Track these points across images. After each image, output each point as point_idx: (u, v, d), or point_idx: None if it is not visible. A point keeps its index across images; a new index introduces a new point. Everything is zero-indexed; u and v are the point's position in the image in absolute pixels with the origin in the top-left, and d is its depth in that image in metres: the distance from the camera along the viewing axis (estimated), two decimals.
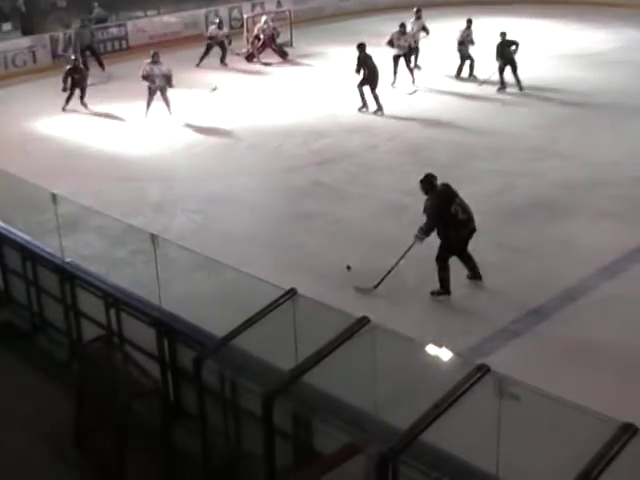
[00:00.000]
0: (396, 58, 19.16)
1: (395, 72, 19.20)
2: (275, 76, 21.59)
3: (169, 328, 7.05)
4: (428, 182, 9.36)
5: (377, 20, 27.40)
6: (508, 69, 18.14)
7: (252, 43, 23.34)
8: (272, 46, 23.19)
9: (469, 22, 19.53)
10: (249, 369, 6.16)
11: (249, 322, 6.20)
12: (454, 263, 9.70)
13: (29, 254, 8.79)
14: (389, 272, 9.47)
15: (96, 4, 24.32)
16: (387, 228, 10.85)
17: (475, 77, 19.51)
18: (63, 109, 17.93)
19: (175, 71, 17.77)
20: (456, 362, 5.78)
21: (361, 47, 17.14)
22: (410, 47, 19.20)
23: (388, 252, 9.54)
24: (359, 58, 17.14)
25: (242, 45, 23.72)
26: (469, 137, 15.56)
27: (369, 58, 17.16)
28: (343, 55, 22.30)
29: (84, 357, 7.35)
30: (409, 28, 20.08)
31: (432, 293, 9.49)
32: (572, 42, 23.42)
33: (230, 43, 22.72)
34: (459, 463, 4.88)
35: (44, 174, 12.89)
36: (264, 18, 23.61)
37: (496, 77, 18.32)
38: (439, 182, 9.42)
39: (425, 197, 9.31)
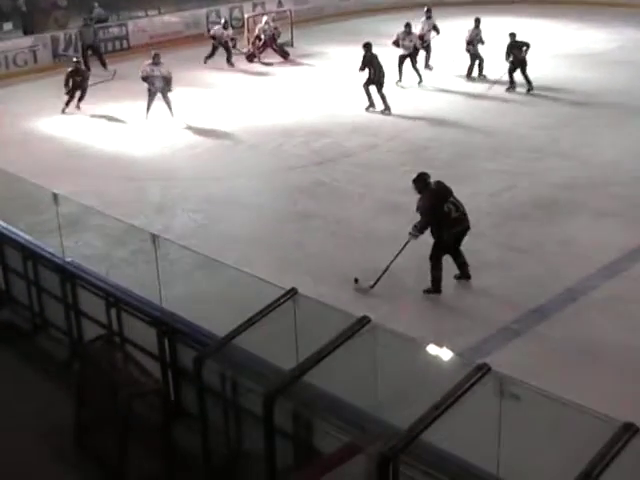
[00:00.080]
0: (402, 58, 19.21)
1: (400, 71, 19.25)
2: (276, 76, 21.60)
3: (170, 328, 7.05)
4: (422, 181, 9.36)
5: (377, 20, 27.44)
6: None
7: (253, 43, 23.36)
8: (273, 46, 23.20)
9: (477, 21, 19.57)
10: (250, 369, 6.16)
11: (250, 322, 6.20)
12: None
13: (30, 254, 8.79)
14: (385, 271, 9.49)
15: (96, 4, 24.34)
16: (387, 227, 10.85)
17: (485, 76, 19.55)
18: (63, 112, 17.86)
19: (176, 71, 17.77)
20: (456, 362, 5.78)
21: (367, 46, 17.19)
22: (415, 47, 19.22)
23: (388, 251, 9.53)
24: (365, 57, 17.17)
25: (243, 45, 23.74)
26: (471, 137, 15.57)
27: (375, 57, 17.20)
28: (343, 55, 22.36)
29: (85, 357, 7.35)
30: (419, 27, 20.17)
31: (424, 291, 9.51)
32: (573, 42, 23.44)
33: (235, 46, 22.68)
34: (460, 463, 4.88)
35: (45, 174, 12.91)
36: (265, 18, 23.62)
37: (506, 78, 18.35)
38: (439, 181, 9.45)
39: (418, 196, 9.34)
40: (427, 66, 20.47)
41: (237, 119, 17.40)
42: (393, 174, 13.39)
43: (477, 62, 19.59)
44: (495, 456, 4.71)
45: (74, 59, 19.06)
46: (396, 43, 19.16)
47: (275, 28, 23.48)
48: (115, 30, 24.63)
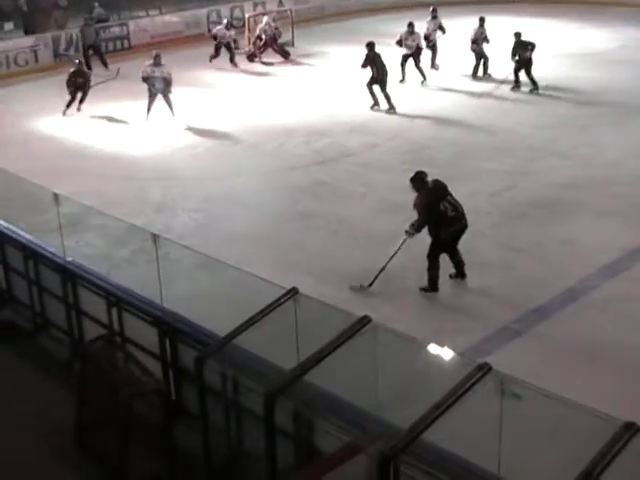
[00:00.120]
0: (405, 57, 19.26)
1: (403, 71, 19.32)
2: (276, 76, 21.61)
3: (171, 327, 7.06)
4: (419, 179, 9.38)
5: (378, 20, 27.46)
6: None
7: (254, 43, 23.36)
8: (273, 46, 23.20)
9: (482, 20, 19.67)
10: (251, 368, 6.16)
11: (250, 321, 6.20)
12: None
13: (31, 253, 8.79)
14: (381, 270, 9.50)
15: (96, 4, 24.33)
16: (388, 227, 10.83)
17: (490, 75, 19.58)
18: (64, 114, 17.77)
19: (177, 70, 17.78)
20: (457, 361, 5.78)
21: (370, 46, 17.24)
22: (418, 47, 19.24)
23: (389, 251, 9.53)
24: (367, 56, 17.23)
25: (244, 45, 23.74)
26: (472, 136, 15.57)
27: (378, 56, 17.25)
28: (344, 55, 22.38)
29: (86, 356, 7.35)
30: (425, 27, 20.20)
31: (421, 289, 9.53)
32: (574, 41, 23.45)
33: (237, 47, 22.66)
34: (460, 462, 4.88)
35: (46, 174, 12.92)
36: (266, 19, 23.62)
37: (512, 77, 18.37)
38: (436, 180, 9.47)
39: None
40: (433, 66, 20.52)
41: (238, 119, 17.40)
42: (394, 173, 13.38)
43: (482, 61, 19.62)
44: (496, 456, 4.71)
45: (76, 60, 19.01)
46: (399, 43, 19.22)
47: (276, 28, 23.50)
48: (116, 30, 24.65)
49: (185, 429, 6.75)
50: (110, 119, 17.65)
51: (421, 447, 4.88)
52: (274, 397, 5.63)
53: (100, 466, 6.74)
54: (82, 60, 20.11)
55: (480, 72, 19.73)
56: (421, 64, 19.42)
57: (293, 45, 24.42)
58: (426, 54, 20.25)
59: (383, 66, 17.19)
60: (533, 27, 23.29)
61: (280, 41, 23.64)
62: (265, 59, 22.95)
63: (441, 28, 20.59)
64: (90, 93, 18.19)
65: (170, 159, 15.12)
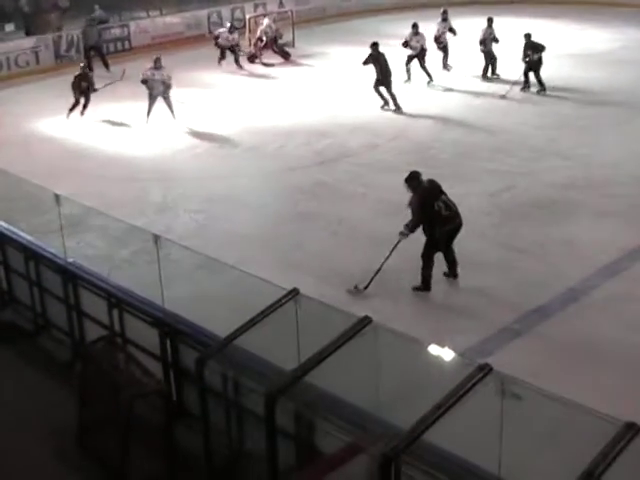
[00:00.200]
0: (409, 58, 19.31)
1: (408, 71, 19.40)
2: (277, 77, 21.61)
3: (172, 328, 7.06)
4: (414, 179, 9.44)
5: (379, 20, 27.49)
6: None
7: (255, 44, 23.36)
8: (274, 47, 23.20)
9: (490, 21, 19.73)
10: (251, 369, 6.16)
11: (251, 322, 6.20)
12: (460, 267, 9.73)
13: (32, 254, 8.79)
14: (377, 272, 9.51)
15: (97, 6, 24.32)
16: (389, 228, 10.83)
17: (498, 76, 19.64)
18: (67, 116, 17.65)
19: (177, 71, 17.80)
20: (458, 362, 5.78)
21: (374, 45, 17.37)
22: (423, 48, 19.28)
23: (389, 252, 9.54)
24: (371, 55, 17.33)
25: (244, 45, 23.73)
26: (474, 137, 15.58)
27: (382, 56, 17.33)
28: (345, 55, 22.40)
29: (87, 357, 7.35)
30: (435, 29, 20.26)
31: (413, 288, 9.55)
32: (575, 42, 23.44)
33: (240, 51, 22.62)
34: (461, 463, 4.88)
35: (46, 174, 12.94)
36: (266, 21, 23.62)
37: (522, 79, 18.42)
38: (431, 179, 9.51)
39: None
40: (445, 67, 20.57)
41: (238, 120, 17.41)
42: (395, 174, 13.29)
43: (491, 61, 19.70)
44: (497, 456, 4.72)
45: (81, 64, 18.96)
46: (405, 44, 19.29)
47: (277, 30, 23.50)
48: (117, 31, 24.66)
49: (186, 430, 6.76)
50: (110, 120, 17.65)
51: (422, 448, 4.88)
52: (275, 398, 5.63)
53: (101, 467, 6.74)
54: (87, 64, 20.03)
55: (489, 72, 19.79)
56: (426, 64, 19.43)
57: (294, 46, 24.42)
58: (438, 55, 20.33)
59: (386, 66, 17.24)
60: (534, 28, 23.20)
61: (281, 42, 23.64)
62: (266, 60, 22.95)
63: (452, 30, 20.61)
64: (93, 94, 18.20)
65: (171, 160, 15.13)
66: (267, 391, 5.68)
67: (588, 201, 12.09)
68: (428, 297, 9.53)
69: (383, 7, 29.44)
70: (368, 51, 17.45)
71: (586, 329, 8.67)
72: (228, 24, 22.98)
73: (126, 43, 24.75)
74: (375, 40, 17.65)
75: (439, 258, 9.66)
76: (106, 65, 22.16)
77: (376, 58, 17.24)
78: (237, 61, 22.24)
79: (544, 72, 18.38)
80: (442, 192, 9.42)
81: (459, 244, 9.80)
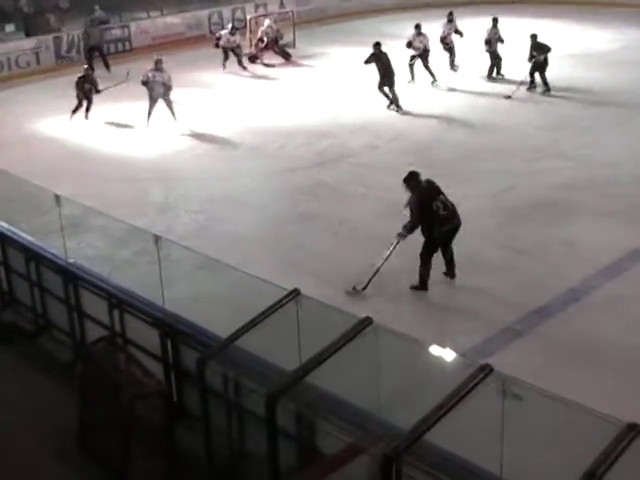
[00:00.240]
0: (412, 58, 19.33)
1: (411, 71, 19.43)
2: (277, 77, 21.61)
3: (172, 329, 7.05)
4: (413, 179, 9.49)
5: (379, 21, 27.49)
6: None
7: (256, 45, 23.36)
8: (274, 48, 23.19)
9: (495, 21, 19.80)
10: (252, 370, 6.15)
11: (252, 323, 6.19)
12: (461, 268, 9.73)
13: (33, 255, 8.79)
14: (375, 273, 9.51)
15: (97, 6, 24.31)
16: (390, 228, 10.83)
17: (502, 76, 19.68)
18: (70, 118, 17.59)
19: (178, 72, 17.79)
20: (459, 362, 5.78)
21: (377, 45, 17.46)
22: (426, 48, 19.29)
23: (392, 252, 9.53)
24: (374, 54, 17.39)
25: (245, 46, 23.73)
26: (475, 137, 15.59)
27: (384, 55, 17.39)
28: (345, 56, 22.40)
29: (87, 358, 7.35)
30: (440, 30, 20.31)
31: (411, 287, 9.57)
32: (576, 42, 23.43)
33: (241, 53, 22.58)
34: (462, 463, 4.87)
35: (47, 175, 12.94)
36: (267, 22, 23.61)
37: (528, 79, 18.46)
38: (429, 179, 9.54)
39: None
40: (453, 67, 20.57)
41: (239, 120, 17.41)
42: (395, 175, 13.29)
43: (496, 61, 19.75)
44: (498, 457, 4.71)
45: (85, 65, 18.92)
46: (409, 45, 19.30)
47: (277, 30, 23.49)
48: (117, 32, 24.67)
49: (187, 431, 6.75)
50: (111, 121, 17.64)
51: (423, 448, 4.88)
52: (276, 398, 5.63)
53: (102, 467, 6.74)
54: (92, 65, 19.98)
55: (494, 73, 19.83)
56: (430, 65, 19.44)
57: (294, 46, 24.42)
58: (443, 56, 20.37)
59: (389, 65, 17.28)
60: (535, 28, 23.27)
61: (281, 42, 23.63)
62: (266, 61, 22.95)
63: (458, 32, 20.62)
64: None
65: (171, 160, 15.13)
66: (268, 392, 5.68)
67: (589, 201, 12.09)
68: (429, 298, 9.53)
69: (384, 8, 29.43)
70: (369, 51, 17.48)
71: (587, 329, 8.67)
72: (229, 26, 22.90)
73: (127, 44, 24.76)
74: (376, 40, 17.67)
75: (439, 259, 9.65)
76: (107, 66, 22.16)
77: (379, 57, 17.30)
78: (240, 62, 22.16)
79: (546, 71, 18.37)
80: (440, 192, 9.44)
81: (460, 245, 9.81)
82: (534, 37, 18.34)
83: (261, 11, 26.93)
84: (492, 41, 19.55)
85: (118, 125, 17.43)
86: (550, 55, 18.21)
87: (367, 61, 17.53)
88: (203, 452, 6.43)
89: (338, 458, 5.42)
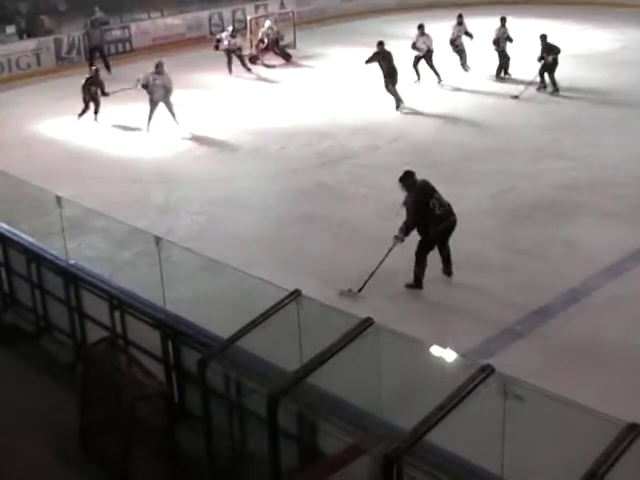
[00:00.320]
0: (416, 59, 19.36)
1: (416, 72, 19.46)
2: (278, 78, 21.60)
3: (173, 330, 7.06)
4: (409, 178, 9.53)
5: (380, 21, 27.47)
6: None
7: (256, 46, 23.35)
8: (275, 49, 23.18)
9: (503, 20, 19.88)
10: (253, 370, 6.16)
11: (253, 323, 6.20)
12: (461, 268, 9.73)
13: (33, 256, 8.80)
14: (371, 275, 9.51)
15: (97, 8, 24.29)
16: (390, 229, 10.84)
17: (510, 75, 19.69)
18: (78, 121, 17.49)
19: (178, 73, 17.78)
20: (460, 363, 5.78)
21: (380, 44, 17.52)
22: (429, 49, 19.30)
23: (391, 253, 9.53)
24: (377, 53, 17.44)
25: (245, 47, 23.73)
26: (476, 137, 15.59)
27: (388, 54, 17.44)
28: (346, 56, 22.39)
29: (88, 359, 7.36)
30: (450, 33, 20.36)
31: (406, 285, 9.60)
32: (578, 42, 23.40)
33: (243, 55, 22.56)
34: (464, 464, 4.88)
35: (48, 176, 12.95)
36: (268, 23, 23.60)
37: (538, 79, 18.48)
38: (424, 179, 9.58)
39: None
40: (464, 68, 20.56)
41: (239, 121, 17.41)
42: (396, 175, 13.29)
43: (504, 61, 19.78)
44: (499, 457, 4.71)
45: (93, 67, 18.91)
46: (413, 45, 19.33)
47: (278, 32, 23.49)
48: (118, 33, 24.67)
49: (188, 431, 6.76)
50: (112, 122, 17.64)
51: (424, 449, 4.88)
52: (277, 399, 5.63)
53: (103, 469, 6.75)
54: (90, 65, 19.95)
55: (502, 72, 19.85)
56: (434, 65, 19.45)
57: (295, 47, 24.41)
58: (453, 57, 20.37)
59: (391, 63, 17.35)
60: (537, 29, 23.29)
61: (282, 43, 23.62)
62: (267, 61, 22.95)
63: (468, 34, 20.60)
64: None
65: (172, 162, 15.13)
66: (269, 392, 5.68)
67: (590, 202, 12.09)
68: (429, 298, 9.53)
69: (384, 8, 29.41)
70: (370, 52, 17.49)
71: (588, 330, 8.67)
72: (230, 28, 22.88)
73: (127, 45, 24.76)
74: (379, 40, 17.67)
75: (437, 259, 9.66)
76: (107, 67, 22.15)
77: (383, 56, 17.33)
78: (244, 64, 22.12)
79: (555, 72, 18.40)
80: (435, 191, 9.50)
81: (461, 245, 9.82)
82: (544, 37, 18.32)
83: (261, 12, 26.93)
84: (500, 40, 19.60)
85: (119, 127, 17.42)
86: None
87: (370, 60, 17.57)
88: (204, 453, 6.43)
89: (339, 458, 5.42)
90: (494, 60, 19.86)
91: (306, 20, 27.62)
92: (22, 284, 9.20)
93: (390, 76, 17.37)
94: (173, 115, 16.72)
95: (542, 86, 18.47)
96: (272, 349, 6.19)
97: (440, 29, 21.18)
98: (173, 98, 16.86)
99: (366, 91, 18.62)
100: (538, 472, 4.99)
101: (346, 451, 5.38)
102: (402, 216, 9.53)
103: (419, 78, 19.50)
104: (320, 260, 10.55)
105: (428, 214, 9.34)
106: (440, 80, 19.42)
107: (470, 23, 20.57)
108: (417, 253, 9.48)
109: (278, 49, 23.28)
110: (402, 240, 9.40)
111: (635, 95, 17.66)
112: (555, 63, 18.13)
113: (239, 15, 26.95)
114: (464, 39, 20.59)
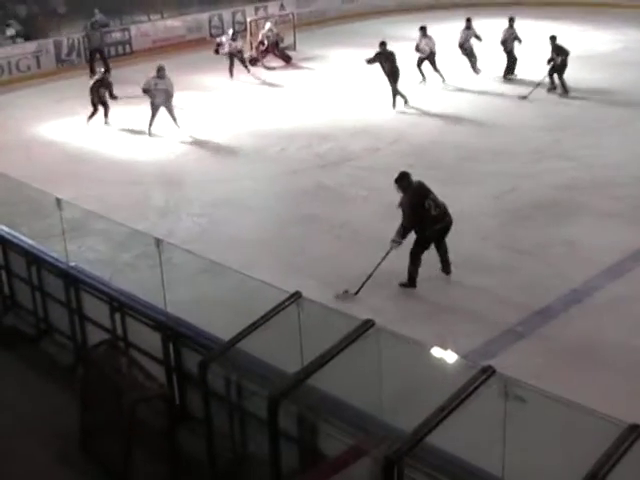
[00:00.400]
0: (420, 60, 19.40)
1: (421, 73, 19.51)
2: (278, 80, 21.60)
3: (174, 332, 7.05)
4: (405, 180, 9.55)
5: (380, 23, 27.45)
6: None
7: (256, 48, 23.35)
8: (275, 51, 23.18)
9: (511, 21, 19.98)
10: (254, 372, 6.16)
11: (254, 325, 6.19)
12: (462, 269, 9.72)
13: (34, 259, 8.80)
14: (368, 278, 9.50)
15: (97, 10, 24.28)
16: (390, 231, 10.85)
17: (516, 76, 19.72)
18: (87, 123, 17.45)
19: (178, 74, 17.78)
20: (461, 364, 5.78)
21: (383, 44, 17.56)
22: (432, 51, 19.34)
23: (391, 255, 9.53)
24: (380, 53, 17.47)
25: (245, 49, 23.73)
26: (477, 138, 15.58)
27: (391, 54, 17.46)
28: (346, 58, 22.39)
29: (89, 361, 7.35)
30: (458, 37, 20.41)
31: (400, 284, 9.63)
32: (578, 43, 23.34)
33: (244, 57, 22.54)
34: (465, 465, 4.87)
35: (48, 179, 12.96)
36: (268, 25, 23.61)
37: (547, 80, 18.49)
38: (420, 181, 9.59)
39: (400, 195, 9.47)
40: (474, 70, 20.54)
41: (240, 123, 17.41)
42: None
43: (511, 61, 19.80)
44: (500, 458, 4.71)
45: (101, 69, 18.89)
46: (417, 48, 19.38)
47: (278, 34, 23.48)
48: (118, 35, 24.68)
49: (189, 434, 6.75)
50: (112, 123, 17.64)
51: (425, 450, 4.87)
52: (278, 401, 5.62)
53: (104, 471, 6.74)
54: (90, 67, 19.94)
55: (508, 73, 19.87)
56: (437, 66, 19.46)
57: (295, 49, 24.41)
58: (462, 59, 20.37)
59: (394, 63, 17.38)
60: (537, 29, 23.34)
61: (282, 45, 23.62)
62: (267, 63, 22.95)
63: (477, 37, 20.55)
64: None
65: (173, 164, 15.13)
66: (270, 394, 5.68)
67: (591, 202, 12.08)
68: (430, 299, 9.52)
69: (384, 10, 29.41)
70: (371, 53, 17.50)
71: (589, 331, 8.66)
72: (230, 31, 22.87)
73: (127, 47, 24.77)
74: (381, 40, 17.68)
75: (436, 259, 9.65)
76: (107, 69, 22.10)
77: (386, 57, 17.35)
78: (246, 67, 22.10)
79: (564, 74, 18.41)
80: (430, 191, 9.52)
81: (462, 245, 9.82)
82: (554, 39, 18.31)
83: (261, 14, 26.94)
84: (508, 41, 19.62)
85: (119, 129, 17.42)
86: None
87: (371, 61, 17.57)
88: (205, 455, 6.43)
89: (340, 460, 5.42)
90: (501, 61, 19.83)
91: (306, 22, 27.64)
92: (22, 287, 9.20)
93: (392, 75, 17.38)
94: (174, 119, 16.68)
95: (552, 87, 18.48)
96: (273, 351, 6.19)
97: (441, 30, 21.21)
98: (173, 100, 16.86)
99: (366, 93, 18.63)
100: (539, 473, 4.99)
101: (347, 453, 5.38)
102: (398, 219, 9.52)
103: (424, 79, 19.53)
104: (321, 262, 10.55)
105: (424, 215, 9.36)
106: (444, 81, 19.43)
107: (474, 24, 20.53)
108: (412, 252, 9.51)
109: (278, 51, 23.28)
110: (399, 243, 9.42)
111: (635, 96, 17.66)
112: (564, 65, 18.11)
113: (239, 17, 26.97)
114: (473, 41, 20.58)
